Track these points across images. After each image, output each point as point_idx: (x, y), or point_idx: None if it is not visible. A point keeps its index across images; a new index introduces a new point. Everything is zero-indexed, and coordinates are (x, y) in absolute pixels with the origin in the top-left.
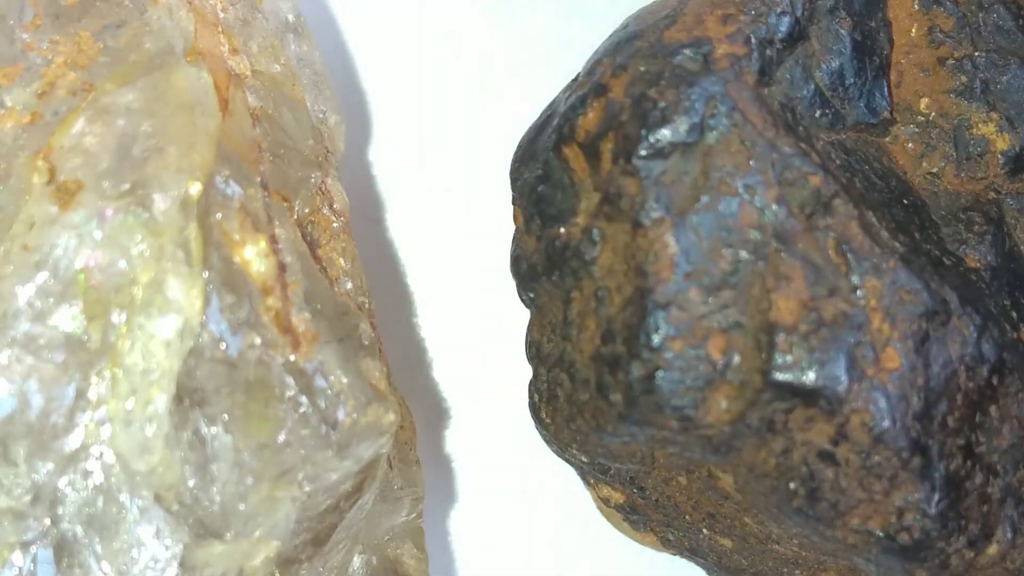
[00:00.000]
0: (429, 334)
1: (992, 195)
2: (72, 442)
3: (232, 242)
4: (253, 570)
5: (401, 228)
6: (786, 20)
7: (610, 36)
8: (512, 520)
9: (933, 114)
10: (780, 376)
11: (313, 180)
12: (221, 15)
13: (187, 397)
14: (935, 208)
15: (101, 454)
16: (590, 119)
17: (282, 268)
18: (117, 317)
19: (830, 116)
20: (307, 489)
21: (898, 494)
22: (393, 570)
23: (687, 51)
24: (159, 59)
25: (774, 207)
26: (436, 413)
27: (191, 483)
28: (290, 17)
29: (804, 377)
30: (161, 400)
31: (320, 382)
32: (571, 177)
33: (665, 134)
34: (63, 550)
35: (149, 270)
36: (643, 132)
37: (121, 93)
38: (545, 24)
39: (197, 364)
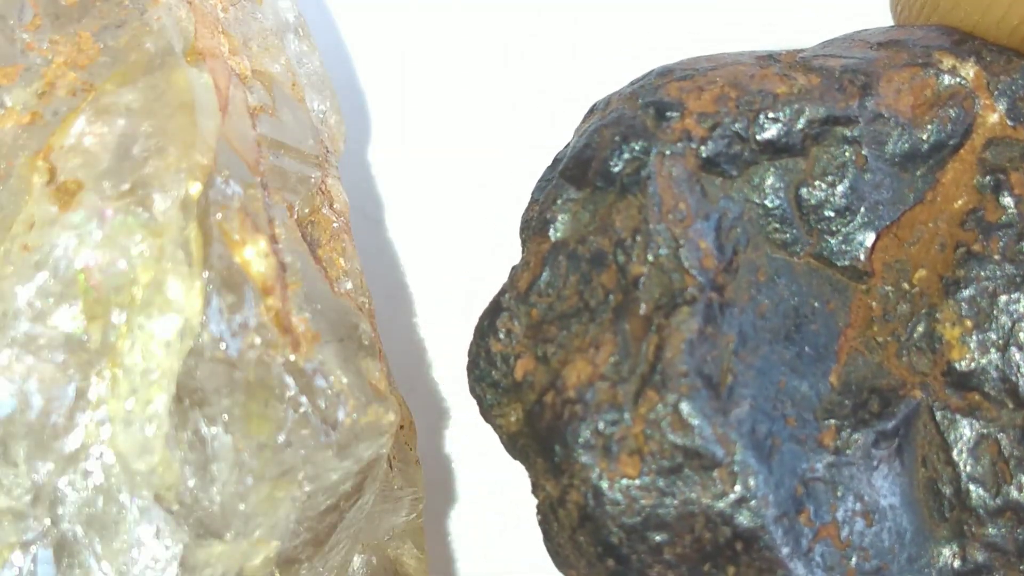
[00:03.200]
0: (429, 334)
1: (918, 394)
2: (72, 442)
3: (232, 242)
4: (253, 570)
5: (401, 228)
6: (774, 127)
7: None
8: (512, 520)
9: (917, 289)
10: None
11: (313, 180)
12: (221, 15)
13: (187, 397)
14: (853, 370)
15: (101, 454)
16: (579, 140)
17: (282, 268)
18: (117, 317)
19: (789, 236)
20: (307, 489)
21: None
22: (393, 570)
23: (653, 109)
24: (159, 59)
25: (623, 282)
26: (436, 413)
27: (191, 483)
28: (290, 17)
29: None
30: (161, 400)
31: (320, 382)
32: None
33: (602, 171)
34: (63, 550)
35: (149, 270)
36: (592, 159)
37: (121, 93)
38: (551, 23)
39: (197, 364)
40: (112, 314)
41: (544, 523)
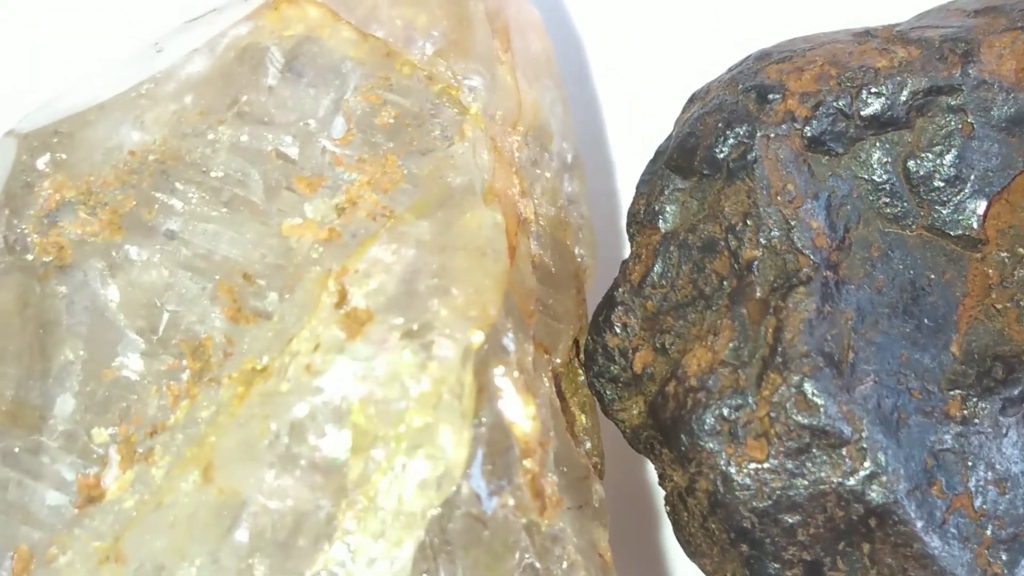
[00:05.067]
0: None
1: None
2: (313, 568)
3: (505, 399)
4: None
5: None
6: (878, 101)
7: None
8: None
9: None
10: None
11: (571, 332)
12: (516, 155)
13: (433, 546)
14: (974, 339)
15: None
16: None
17: (544, 429)
18: (381, 453)
19: (900, 209)
20: None
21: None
22: None
23: (755, 92)
24: (458, 195)
25: (736, 267)
26: None
27: None
28: (569, 157)
29: None
30: (408, 544)
31: (556, 549)
32: None
33: (708, 159)
34: None
35: (422, 413)
36: (697, 147)
37: (417, 224)
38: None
39: (450, 516)
40: (376, 449)
41: (673, 513)
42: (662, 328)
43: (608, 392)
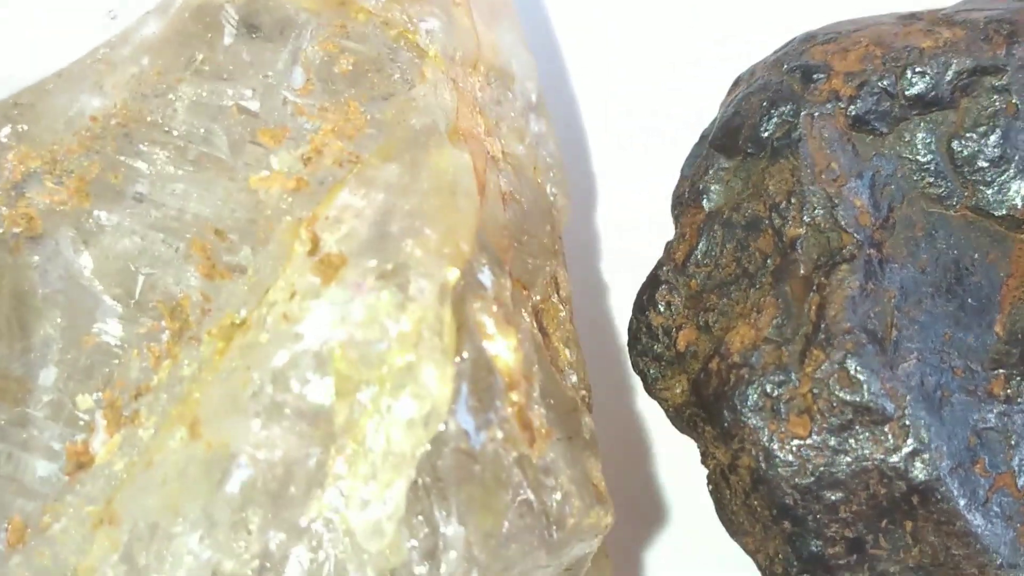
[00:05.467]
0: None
1: None
2: (306, 515)
3: (485, 333)
4: None
5: None
6: (922, 81)
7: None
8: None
9: None
10: None
11: (548, 269)
12: (478, 94)
13: (425, 484)
14: (1019, 318)
15: (334, 530)
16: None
17: (528, 362)
18: (365, 396)
19: (944, 189)
20: None
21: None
22: None
23: (799, 72)
24: (423, 136)
25: (780, 245)
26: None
27: (417, 569)
28: (533, 96)
29: None
30: (399, 485)
31: (549, 480)
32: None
33: (752, 137)
34: None
35: (404, 353)
36: (742, 126)
37: (384, 168)
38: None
39: (439, 453)
40: (361, 392)
41: (716, 492)
42: (706, 306)
43: (652, 371)
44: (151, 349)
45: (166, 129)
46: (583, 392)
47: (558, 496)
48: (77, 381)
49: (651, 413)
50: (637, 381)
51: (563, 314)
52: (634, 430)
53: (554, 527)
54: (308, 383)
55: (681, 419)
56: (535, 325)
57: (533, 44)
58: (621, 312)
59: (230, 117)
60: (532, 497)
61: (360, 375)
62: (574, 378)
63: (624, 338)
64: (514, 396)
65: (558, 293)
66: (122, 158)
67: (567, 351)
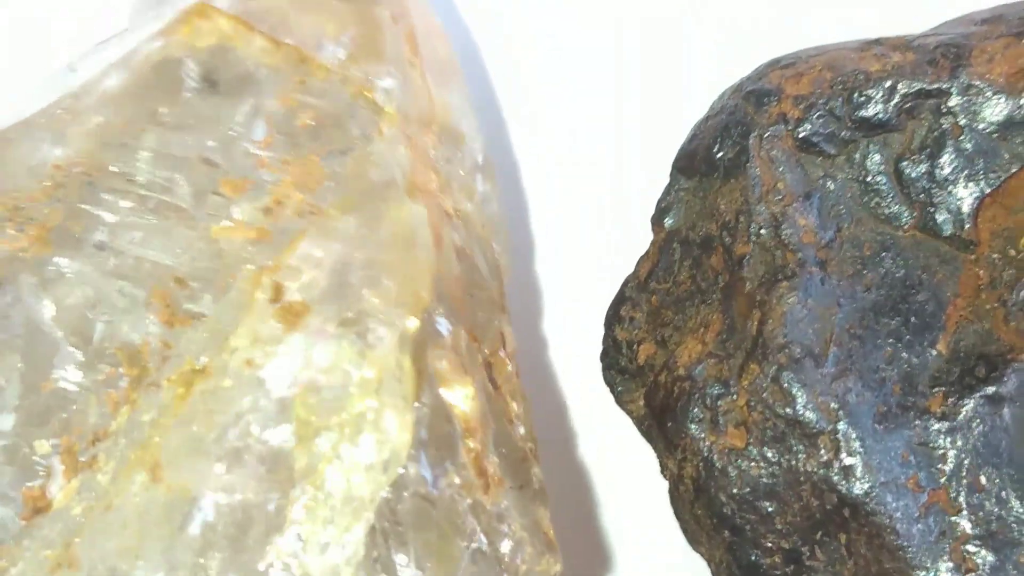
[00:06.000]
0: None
1: None
2: (264, 560)
3: (444, 381)
4: None
5: (543, 226)
6: (869, 104)
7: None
8: None
9: (1023, 255)
10: None
11: (496, 323)
12: (432, 152)
13: (383, 529)
14: (962, 338)
15: (291, 575)
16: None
17: (483, 411)
18: (324, 442)
19: (892, 210)
20: None
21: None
22: None
23: (754, 97)
24: (382, 190)
25: (729, 262)
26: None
27: None
28: (480, 158)
29: None
30: (358, 529)
31: (503, 527)
32: None
33: (707, 158)
34: None
35: (365, 399)
36: (699, 148)
37: (343, 219)
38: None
39: (399, 498)
40: (321, 437)
41: (672, 501)
42: (663, 322)
43: (618, 383)
44: (109, 395)
45: (129, 178)
46: (530, 444)
47: (511, 543)
48: (34, 426)
49: (596, 464)
50: (583, 430)
51: (510, 368)
52: (582, 478)
53: (505, 573)
54: (269, 428)
55: (643, 430)
56: (487, 375)
57: (477, 106)
58: (563, 368)
59: (193, 168)
60: (486, 543)
61: (320, 420)
62: (522, 430)
63: (566, 394)
64: (471, 443)
65: (504, 348)
66: (84, 206)
67: (514, 404)
